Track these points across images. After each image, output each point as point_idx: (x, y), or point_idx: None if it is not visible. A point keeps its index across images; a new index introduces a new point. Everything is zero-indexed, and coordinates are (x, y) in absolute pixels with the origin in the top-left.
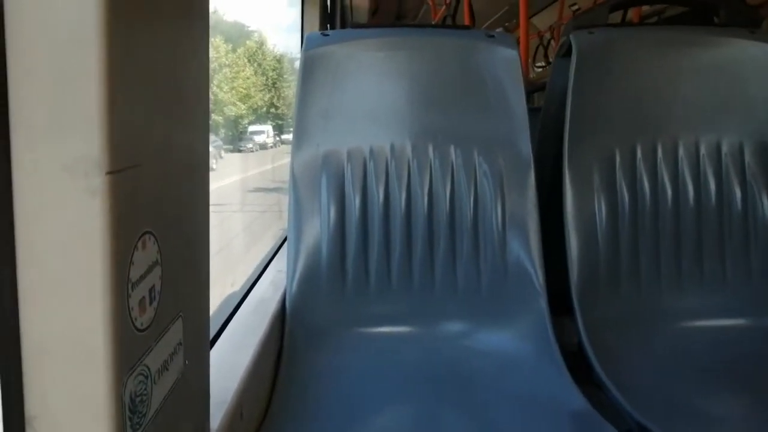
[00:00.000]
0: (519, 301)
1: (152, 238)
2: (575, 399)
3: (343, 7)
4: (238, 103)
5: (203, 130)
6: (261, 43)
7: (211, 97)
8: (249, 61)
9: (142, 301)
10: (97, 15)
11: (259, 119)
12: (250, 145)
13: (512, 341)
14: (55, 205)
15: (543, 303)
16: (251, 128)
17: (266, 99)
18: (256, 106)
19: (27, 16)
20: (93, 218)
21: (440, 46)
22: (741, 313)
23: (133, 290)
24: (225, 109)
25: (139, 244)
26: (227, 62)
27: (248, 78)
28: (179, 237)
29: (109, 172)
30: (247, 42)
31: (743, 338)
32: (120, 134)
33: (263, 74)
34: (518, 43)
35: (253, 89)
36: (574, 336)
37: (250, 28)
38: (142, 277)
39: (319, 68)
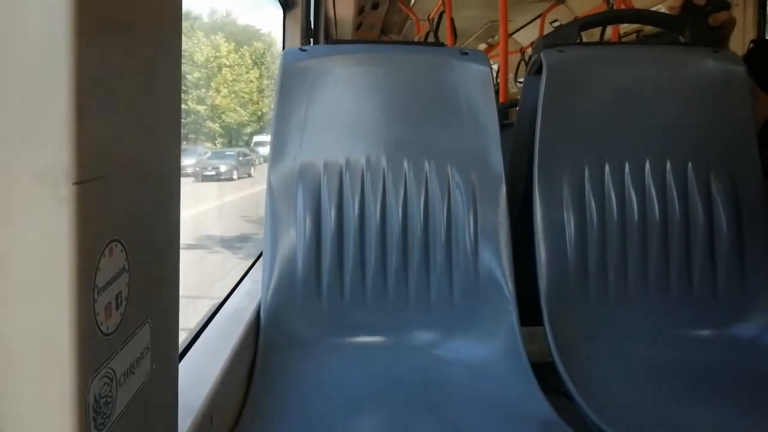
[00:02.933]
0: (490, 311)
1: (119, 246)
2: (542, 407)
3: (326, 21)
4: (239, 109)
5: (175, 141)
6: (270, 45)
7: (208, 102)
8: (256, 63)
9: (108, 306)
10: (68, 26)
11: (267, 128)
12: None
13: (483, 350)
14: (23, 213)
15: (513, 313)
16: (256, 138)
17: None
18: (261, 113)
19: None
20: (60, 226)
21: (415, 62)
22: (706, 324)
23: (99, 296)
24: (224, 116)
25: (106, 251)
26: (228, 63)
27: (251, 81)
28: (148, 245)
29: (76, 183)
30: (255, 43)
31: (709, 348)
32: (89, 145)
33: (269, 77)
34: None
35: (257, 94)
36: (543, 346)
37: (261, 31)
38: (109, 283)
39: (296, 82)
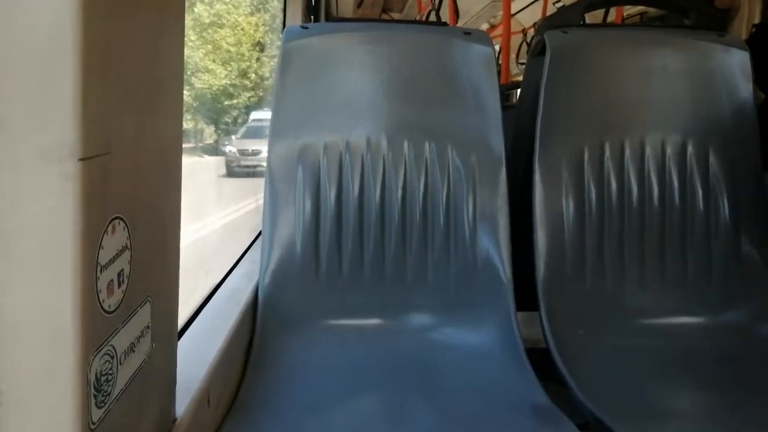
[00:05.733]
0: (486, 295)
1: (122, 224)
2: (535, 392)
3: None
4: (218, 68)
5: (176, 121)
6: None
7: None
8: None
9: (110, 284)
10: (74, 9)
11: (266, 99)
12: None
13: (478, 334)
14: (29, 190)
15: (509, 297)
16: (254, 115)
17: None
18: (257, 76)
19: (6, 11)
20: (65, 202)
21: (418, 42)
22: (701, 311)
23: (101, 273)
24: (194, 78)
25: (109, 229)
26: None
27: (242, 27)
28: (149, 224)
29: (81, 159)
30: None
31: (703, 335)
32: (94, 123)
33: (274, 30)
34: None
35: (249, 47)
36: (539, 331)
37: None
38: (111, 261)
39: (297, 61)
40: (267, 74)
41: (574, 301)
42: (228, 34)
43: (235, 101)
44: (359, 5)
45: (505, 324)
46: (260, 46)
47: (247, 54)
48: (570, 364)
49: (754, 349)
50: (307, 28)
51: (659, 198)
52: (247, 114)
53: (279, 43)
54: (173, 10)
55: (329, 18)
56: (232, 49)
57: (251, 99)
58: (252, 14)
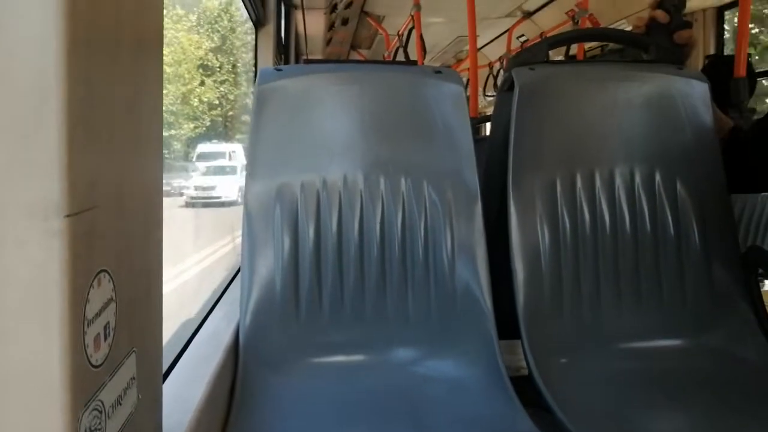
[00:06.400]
0: (468, 326)
1: (107, 276)
2: (521, 421)
3: (297, 37)
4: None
5: (157, 167)
6: (229, 3)
7: None
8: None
9: (97, 338)
10: (58, 65)
11: (214, 130)
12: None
13: (461, 366)
14: (13, 246)
15: (491, 327)
16: (200, 149)
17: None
18: (203, 101)
19: None
20: (51, 258)
21: (390, 81)
22: (678, 334)
23: (88, 327)
24: None
25: (95, 283)
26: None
27: (181, 46)
28: (133, 274)
29: (67, 215)
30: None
31: (680, 357)
32: (79, 179)
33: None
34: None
35: (188, 67)
36: (521, 358)
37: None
38: (98, 315)
39: (272, 102)
40: (215, 101)
41: (554, 328)
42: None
43: (173, 132)
44: (328, 43)
45: (488, 353)
46: (205, 69)
47: (187, 76)
48: (553, 389)
49: (730, 370)
50: (280, 70)
51: (631, 225)
52: (191, 147)
53: (232, 67)
54: (152, 55)
55: (299, 56)
56: (167, 69)
57: (196, 130)
58: (194, 31)
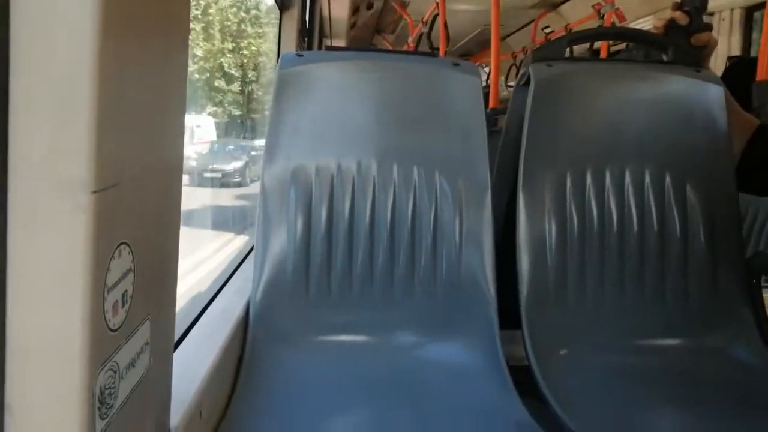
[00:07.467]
0: (471, 313)
1: (127, 248)
2: (516, 410)
3: (321, 20)
4: None
5: (178, 147)
6: None
7: None
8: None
9: (115, 304)
10: (92, 53)
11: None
12: None
13: (462, 353)
14: (44, 220)
15: (493, 316)
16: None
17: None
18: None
19: (28, 55)
20: (77, 231)
21: (409, 71)
22: (679, 333)
23: (108, 294)
24: None
25: (116, 254)
26: None
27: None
28: (151, 247)
29: (93, 191)
30: None
31: (681, 356)
32: (106, 159)
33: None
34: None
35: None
36: (521, 349)
37: None
38: (117, 283)
39: (292, 87)
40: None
41: (555, 321)
42: None
43: None
44: (352, 27)
45: (488, 342)
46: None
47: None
48: (551, 382)
49: (730, 370)
50: (302, 55)
51: (638, 225)
52: None
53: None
54: (179, 40)
55: (322, 39)
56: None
57: None
58: None
